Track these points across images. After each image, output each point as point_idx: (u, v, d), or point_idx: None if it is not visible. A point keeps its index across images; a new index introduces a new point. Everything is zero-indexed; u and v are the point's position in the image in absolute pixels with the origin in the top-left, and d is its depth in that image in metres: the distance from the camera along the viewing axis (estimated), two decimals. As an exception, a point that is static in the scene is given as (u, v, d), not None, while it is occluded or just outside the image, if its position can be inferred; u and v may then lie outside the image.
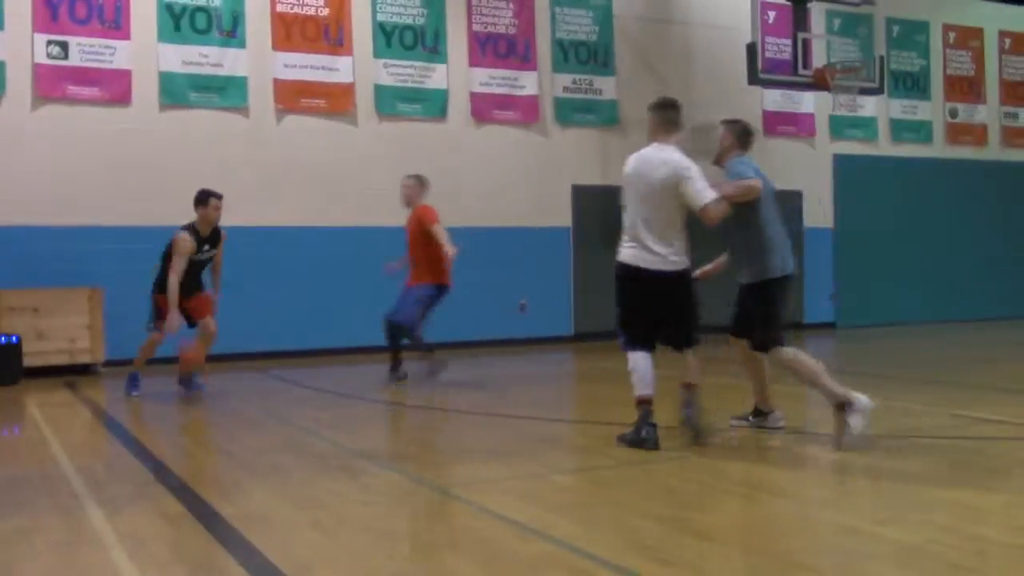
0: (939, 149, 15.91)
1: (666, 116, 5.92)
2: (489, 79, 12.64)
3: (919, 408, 7.38)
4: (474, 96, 12.53)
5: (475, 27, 12.60)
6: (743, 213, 5.89)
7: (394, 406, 8.18)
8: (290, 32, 11.64)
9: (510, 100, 12.76)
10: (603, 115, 13.24)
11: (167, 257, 8.22)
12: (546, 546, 3.91)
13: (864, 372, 9.22)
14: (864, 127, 15.30)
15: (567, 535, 4.05)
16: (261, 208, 11.30)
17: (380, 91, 12.07)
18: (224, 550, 3.94)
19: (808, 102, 14.64)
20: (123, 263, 10.38)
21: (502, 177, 12.59)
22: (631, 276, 5.81)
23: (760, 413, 6.39)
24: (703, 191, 5.66)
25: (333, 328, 11.54)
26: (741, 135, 6.19)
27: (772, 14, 13.79)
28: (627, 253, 5.82)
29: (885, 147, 15.49)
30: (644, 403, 5.69)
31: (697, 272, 6.14)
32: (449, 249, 8.63)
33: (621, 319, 5.92)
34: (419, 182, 9.33)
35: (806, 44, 12.56)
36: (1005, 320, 14.93)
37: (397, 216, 9.60)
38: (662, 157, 5.76)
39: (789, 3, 12.73)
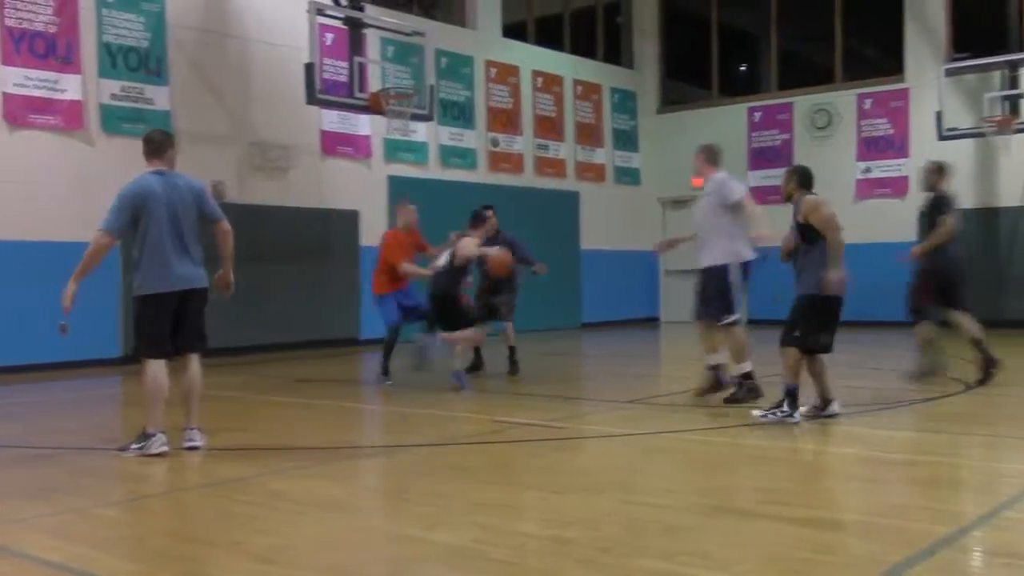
0: (483, 175, 17.16)
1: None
2: (25, 80, 11.52)
3: (465, 416, 7.94)
4: (7, 97, 11.35)
5: (8, 22, 11.42)
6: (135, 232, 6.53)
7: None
8: None
9: (50, 104, 11.72)
10: (155, 126, 12.60)
11: None
12: (90, 586, 3.65)
13: (415, 384, 9.68)
14: (416, 151, 16.09)
15: (114, 571, 3.82)
16: None
17: None
18: None
19: (364, 124, 15.08)
20: None
21: (43, 187, 11.51)
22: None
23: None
24: None
25: None
26: (157, 148, 6.84)
27: (330, 36, 14.04)
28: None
29: (435, 171, 16.40)
30: None
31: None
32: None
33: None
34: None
35: (362, 68, 12.90)
36: (550, 331, 16.38)
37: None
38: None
39: (346, 27, 13.02)
